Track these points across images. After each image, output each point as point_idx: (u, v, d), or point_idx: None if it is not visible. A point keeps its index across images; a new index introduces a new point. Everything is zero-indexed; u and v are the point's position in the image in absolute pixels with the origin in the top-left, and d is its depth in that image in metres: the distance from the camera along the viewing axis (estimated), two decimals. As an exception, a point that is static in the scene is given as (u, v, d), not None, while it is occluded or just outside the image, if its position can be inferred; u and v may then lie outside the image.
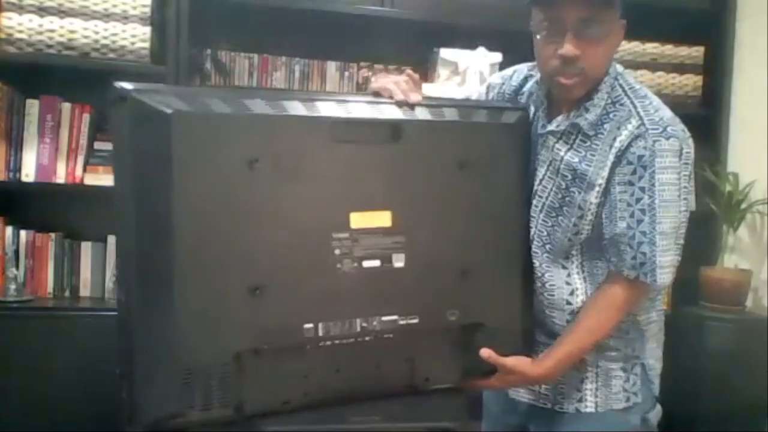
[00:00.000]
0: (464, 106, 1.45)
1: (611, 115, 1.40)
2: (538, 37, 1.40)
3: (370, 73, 2.84)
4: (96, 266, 2.59)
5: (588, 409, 1.46)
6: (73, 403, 2.32)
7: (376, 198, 1.26)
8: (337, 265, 1.22)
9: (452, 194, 1.34)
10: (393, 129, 1.28)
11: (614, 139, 1.38)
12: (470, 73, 2.74)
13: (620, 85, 1.43)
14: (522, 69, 1.59)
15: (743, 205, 2.73)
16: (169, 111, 1.08)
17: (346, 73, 2.86)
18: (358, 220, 1.23)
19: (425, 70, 2.89)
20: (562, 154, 1.43)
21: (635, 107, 1.39)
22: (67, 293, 2.57)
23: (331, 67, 2.84)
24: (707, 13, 2.93)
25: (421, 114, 1.32)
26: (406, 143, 1.28)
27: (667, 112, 1.40)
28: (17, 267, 2.48)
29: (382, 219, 1.25)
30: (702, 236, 2.85)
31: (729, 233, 2.78)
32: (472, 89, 1.74)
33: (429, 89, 2.73)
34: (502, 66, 2.70)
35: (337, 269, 1.22)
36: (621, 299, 1.40)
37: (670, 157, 1.35)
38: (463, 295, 1.36)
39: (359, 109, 1.29)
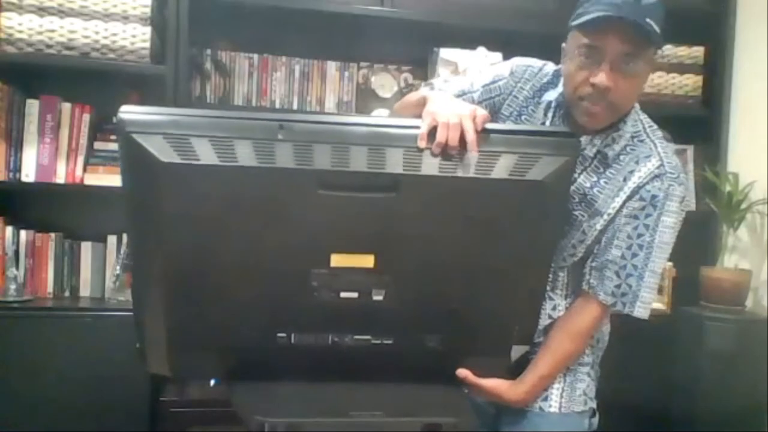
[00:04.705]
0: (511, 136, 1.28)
1: (629, 149, 1.42)
2: (570, 59, 1.38)
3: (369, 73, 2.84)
4: (96, 266, 2.59)
5: (552, 409, 1.50)
6: (72, 403, 2.32)
7: (361, 242, 1.22)
8: (314, 293, 1.23)
9: (448, 245, 1.25)
10: (390, 181, 1.19)
11: (631, 173, 1.40)
12: (470, 74, 2.74)
13: (640, 120, 1.45)
14: (549, 70, 1.51)
15: (743, 205, 2.72)
16: (158, 158, 1.12)
17: (346, 73, 2.86)
18: (339, 260, 1.21)
19: (425, 70, 2.89)
20: (575, 175, 1.40)
21: (656, 146, 1.42)
22: (67, 293, 2.57)
23: (331, 67, 2.85)
24: (707, 13, 2.93)
25: (427, 168, 1.21)
26: (402, 195, 1.19)
27: (676, 158, 1.43)
28: (17, 267, 2.48)
29: (365, 261, 1.22)
30: (702, 236, 2.85)
31: (729, 233, 2.77)
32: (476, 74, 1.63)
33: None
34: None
35: (315, 296, 1.23)
36: (592, 324, 1.47)
37: (677, 202, 1.40)
38: (445, 326, 1.31)
39: (357, 157, 1.17)
